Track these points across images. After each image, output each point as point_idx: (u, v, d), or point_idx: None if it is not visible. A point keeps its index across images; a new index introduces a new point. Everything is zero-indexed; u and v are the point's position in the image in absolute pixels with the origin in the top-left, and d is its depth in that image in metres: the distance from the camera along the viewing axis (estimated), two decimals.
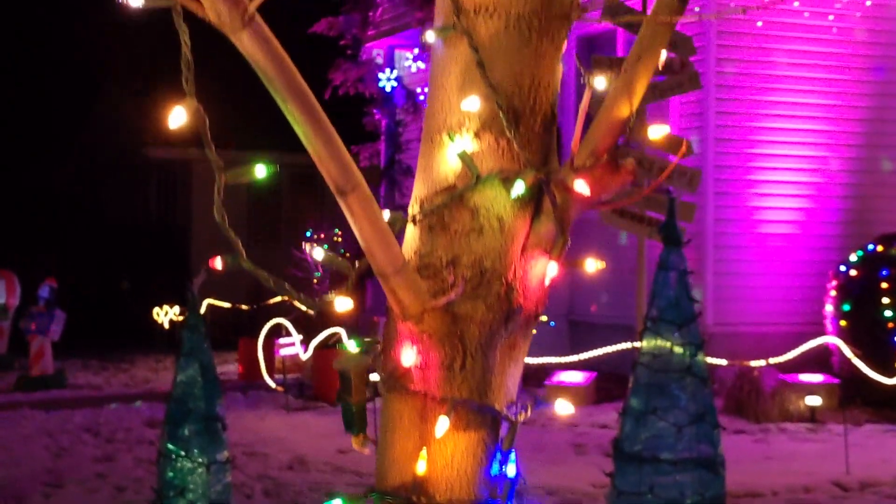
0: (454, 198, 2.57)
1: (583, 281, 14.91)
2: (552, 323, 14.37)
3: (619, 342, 11.97)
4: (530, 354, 14.14)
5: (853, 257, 12.60)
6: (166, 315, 20.49)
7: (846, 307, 12.34)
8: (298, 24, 15.48)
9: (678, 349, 6.51)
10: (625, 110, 2.69)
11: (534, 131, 2.63)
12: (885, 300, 12.04)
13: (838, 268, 12.67)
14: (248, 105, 16.28)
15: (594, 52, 15.35)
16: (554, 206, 2.60)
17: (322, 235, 18.19)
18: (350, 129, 17.44)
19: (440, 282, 2.65)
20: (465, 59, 2.60)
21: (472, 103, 2.56)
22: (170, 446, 5.60)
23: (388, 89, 16.35)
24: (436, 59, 2.68)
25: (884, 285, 12.10)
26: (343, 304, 2.85)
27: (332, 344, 12.48)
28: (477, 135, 2.59)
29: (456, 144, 2.57)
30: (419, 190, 2.65)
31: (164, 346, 19.64)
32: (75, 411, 12.56)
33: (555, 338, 14.56)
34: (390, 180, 16.56)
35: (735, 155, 13.46)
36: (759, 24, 13.46)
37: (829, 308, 12.59)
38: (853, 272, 12.44)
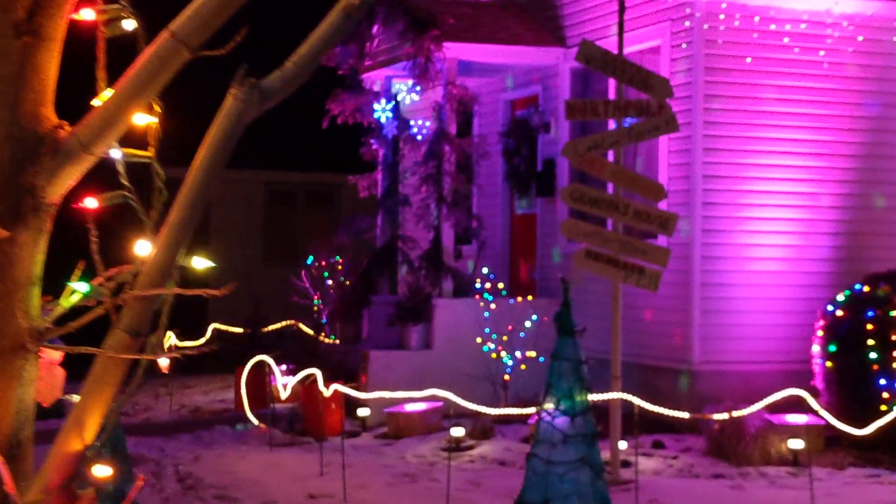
0: None
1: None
2: (541, 358, 14.29)
3: (600, 374, 11.95)
4: (522, 388, 13.70)
5: (840, 297, 12.47)
6: (168, 340, 20.51)
7: (832, 348, 12.21)
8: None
9: (572, 440, 6.52)
10: (76, 444, 2.73)
11: None
12: (871, 342, 11.90)
13: (826, 307, 12.55)
14: (271, 124, 16.34)
15: (588, 85, 15.30)
16: None
17: (323, 263, 18.19)
18: (353, 159, 17.42)
19: None
20: None
21: None
22: None
23: (382, 120, 16.34)
24: None
25: (869, 327, 11.95)
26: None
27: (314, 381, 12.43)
28: None
29: None
30: None
31: (169, 372, 19.66)
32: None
33: (543, 372, 14.46)
34: (386, 210, 16.55)
35: (723, 192, 13.34)
36: (749, 59, 13.35)
37: (815, 348, 12.46)
38: (839, 312, 12.30)
